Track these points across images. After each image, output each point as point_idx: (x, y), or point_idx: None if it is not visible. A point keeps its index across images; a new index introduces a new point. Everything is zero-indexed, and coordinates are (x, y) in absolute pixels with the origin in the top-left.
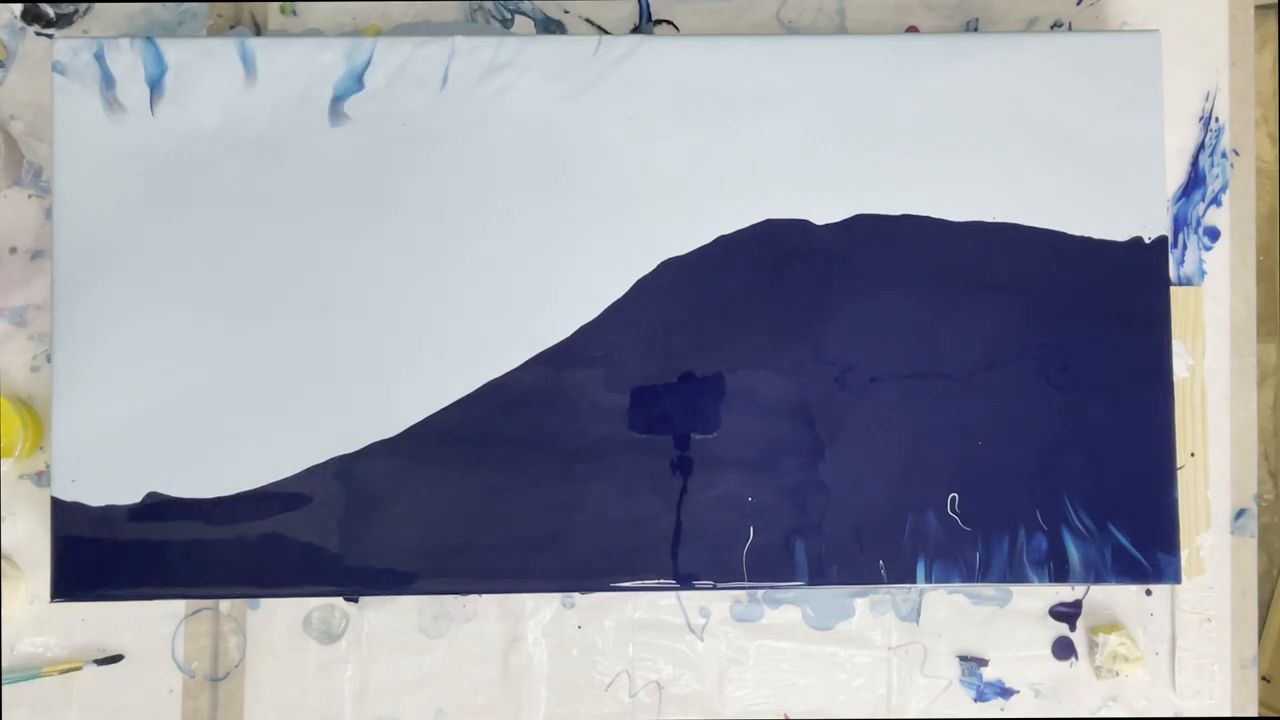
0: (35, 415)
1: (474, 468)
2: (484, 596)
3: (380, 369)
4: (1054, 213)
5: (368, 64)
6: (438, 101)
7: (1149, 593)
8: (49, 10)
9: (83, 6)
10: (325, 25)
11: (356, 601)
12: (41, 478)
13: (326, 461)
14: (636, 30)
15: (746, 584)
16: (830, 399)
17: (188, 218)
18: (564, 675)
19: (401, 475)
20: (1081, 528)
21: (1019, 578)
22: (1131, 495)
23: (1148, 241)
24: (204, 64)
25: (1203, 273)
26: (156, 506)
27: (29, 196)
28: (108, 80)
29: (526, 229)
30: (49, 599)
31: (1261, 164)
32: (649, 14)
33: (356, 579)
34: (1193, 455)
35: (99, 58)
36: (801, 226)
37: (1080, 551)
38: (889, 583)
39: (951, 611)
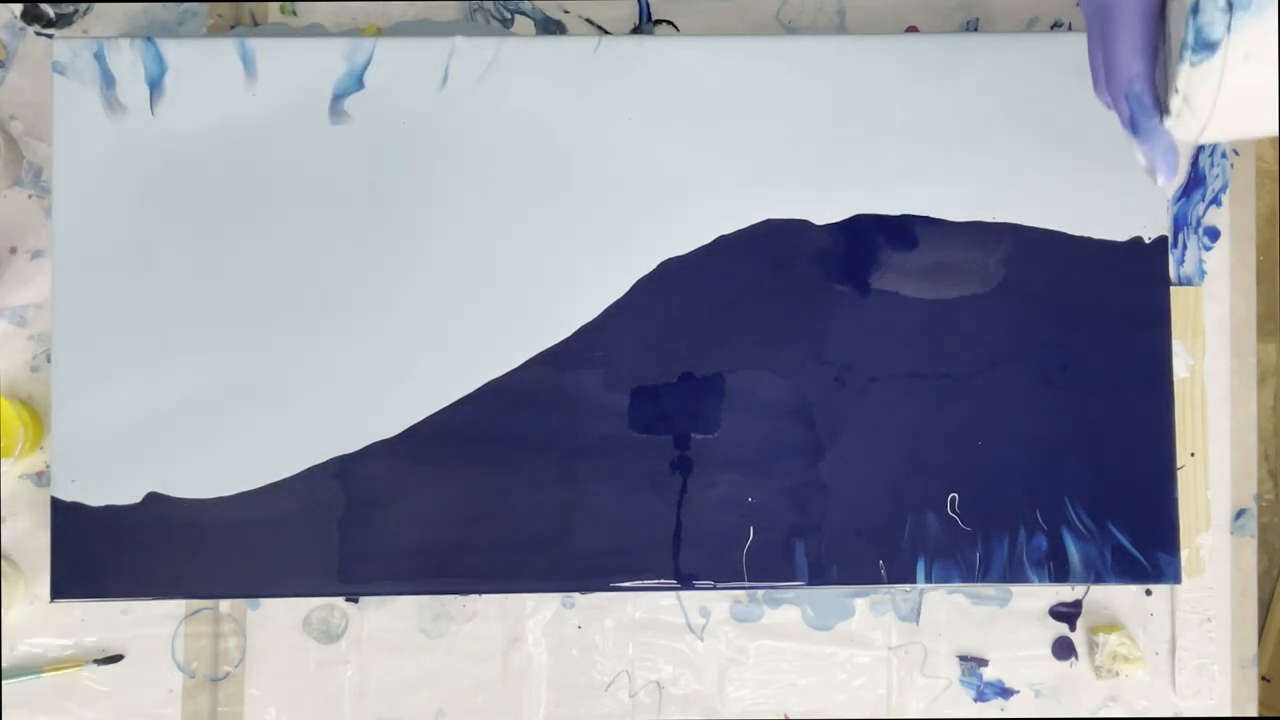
0: (35, 415)
1: (474, 468)
2: (484, 596)
3: (380, 369)
4: (1054, 213)
5: (368, 63)
6: (438, 101)
7: (1149, 593)
8: (49, 10)
9: (83, 6)
10: (325, 25)
11: (356, 601)
12: (41, 478)
13: (326, 461)
14: (636, 30)
15: (746, 584)
16: (830, 399)
17: (188, 217)
18: (564, 675)
19: (401, 475)
20: (1081, 528)
21: (1019, 578)
22: (1131, 495)
23: (1148, 241)
24: (204, 64)
25: (1203, 273)
26: (156, 506)
27: (29, 196)
28: (108, 80)
29: (526, 229)
30: (49, 599)
31: (1261, 164)
32: (649, 14)
33: (356, 579)
34: (1193, 455)
35: (99, 58)
36: (801, 226)
37: (1080, 551)
38: (889, 583)
39: (951, 611)
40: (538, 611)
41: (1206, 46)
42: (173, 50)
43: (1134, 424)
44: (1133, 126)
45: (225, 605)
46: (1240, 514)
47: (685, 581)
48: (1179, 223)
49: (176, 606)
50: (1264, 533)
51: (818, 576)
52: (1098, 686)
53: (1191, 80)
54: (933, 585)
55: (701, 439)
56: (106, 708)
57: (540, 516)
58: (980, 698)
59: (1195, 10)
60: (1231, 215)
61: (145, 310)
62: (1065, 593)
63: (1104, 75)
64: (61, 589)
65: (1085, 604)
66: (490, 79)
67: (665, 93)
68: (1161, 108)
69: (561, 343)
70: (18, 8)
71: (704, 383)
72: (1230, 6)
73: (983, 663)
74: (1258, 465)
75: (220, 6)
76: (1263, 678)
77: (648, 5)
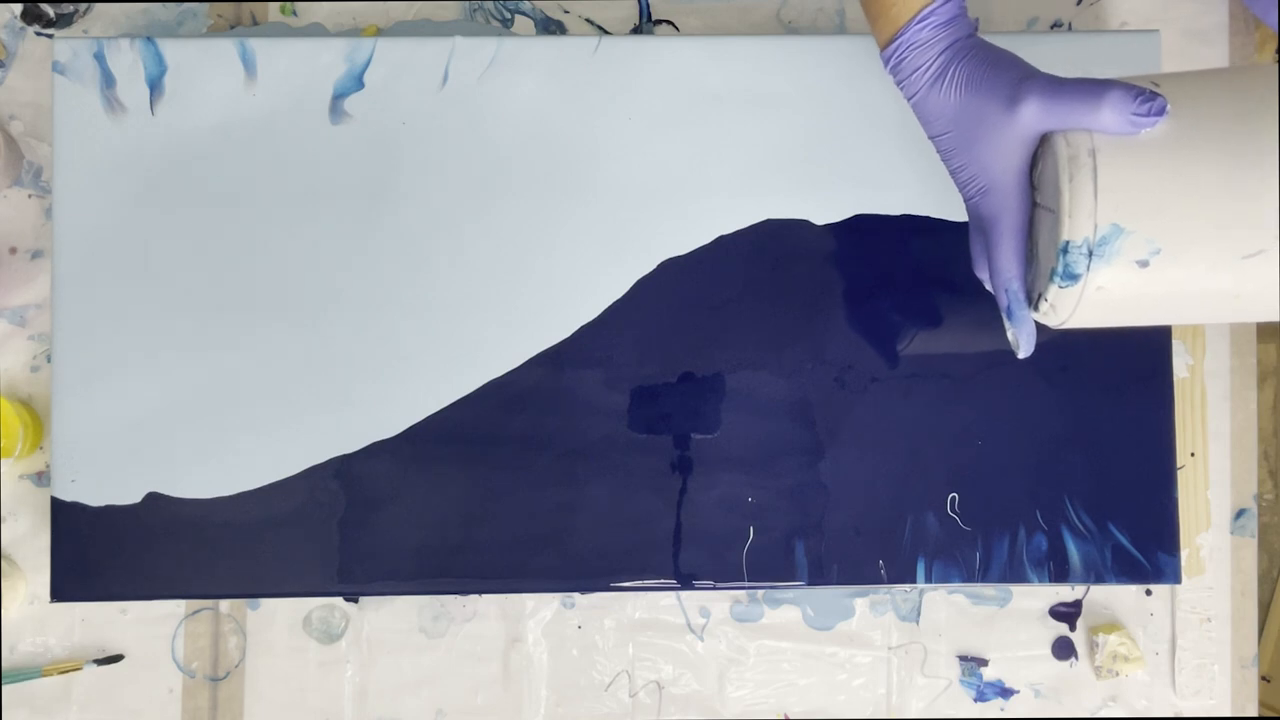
0: (35, 415)
1: (474, 468)
2: (484, 596)
3: (380, 369)
4: None
5: (368, 63)
6: (438, 101)
7: (1149, 593)
8: (49, 10)
9: (83, 6)
10: (325, 25)
11: (356, 601)
12: (41, 478)
13: (326, 461)
14: (636, 30)
15: (746, 584)
16: (830, 399)
17: (188, 217)
18: (564, 675)
19: (401, 475)
20: (1081, 528)
21: (1019, 578)
22: (1131, 495)
23: None
24: (204, 64)
25: None
26: (156, 506)
27: (29, 196)
28: (108, 80)
29: (526, 229)
30: (49, 599)
31: None
32: (649, 14)
33: (356, 579)
34: (1193, 455)
35: (99, 58)
36: (801, 226)
37: (1080, 551)
38: (889, 583)
39: (951, 611)
40: (538, 611)
41: (1071, 277)
42: (173, 50)
43: (1134, 424)
44: (1007, 313)
45: (225, 605)
46: (1240, 514)
47: (685, 581)
48: None
49: (176, 606)
50: (1264, 533)
51: (818, 576)
52: (1098, 686)
53: (1058, 296)
54: (933, 585)
55: (701, 439)
56: (106, 708)
57: (540, 516)
58: (980, 698)
59: (1064, 251)
60: None
61: (145, 310)
62: (1065, 593)
63: (986, 269)
64: (61, 589)
65: (1085, 604)
66: (490, 79)
67: (665, 93)
68: (1031, 302)
69: (561, 343)
70: (18, 8)
71: (704, 383)
72: (1090, 254)
73: (983, 663)
74: (1258, 465)
75: (220, 6)
76: (1263, 678)
77: (648, 5)
